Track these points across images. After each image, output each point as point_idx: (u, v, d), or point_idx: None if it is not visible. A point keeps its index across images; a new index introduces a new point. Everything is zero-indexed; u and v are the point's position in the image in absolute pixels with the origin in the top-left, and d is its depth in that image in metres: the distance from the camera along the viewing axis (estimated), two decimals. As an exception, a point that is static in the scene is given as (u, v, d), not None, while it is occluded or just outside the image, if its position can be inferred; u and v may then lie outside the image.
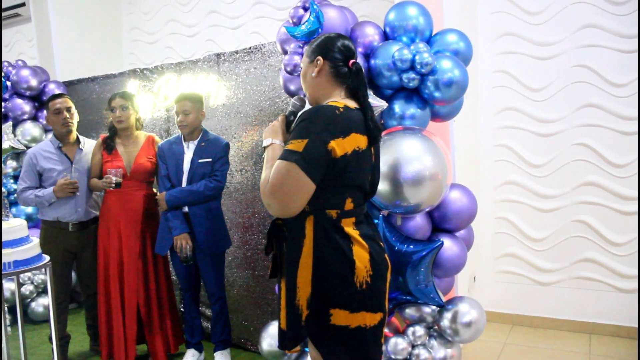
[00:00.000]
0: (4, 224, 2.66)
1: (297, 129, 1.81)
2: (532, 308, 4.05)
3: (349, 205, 1.89)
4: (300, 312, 1.87)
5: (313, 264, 1.85)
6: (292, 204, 1.78)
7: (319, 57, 1.96)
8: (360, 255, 1.86)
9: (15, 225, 2.67)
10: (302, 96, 2.17)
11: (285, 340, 1.97)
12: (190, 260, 3.28)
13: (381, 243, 1.99)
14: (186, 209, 3.29)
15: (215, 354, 3.49)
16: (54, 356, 3.29)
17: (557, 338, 3.82)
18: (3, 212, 2.73)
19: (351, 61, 1.96)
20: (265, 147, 1.97)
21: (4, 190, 2.85)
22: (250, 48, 3.62)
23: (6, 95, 4.79)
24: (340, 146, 1.80)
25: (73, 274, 3.80)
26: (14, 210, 4.51)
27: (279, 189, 1.76)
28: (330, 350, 1.90)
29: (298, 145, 1.76)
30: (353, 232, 1.88)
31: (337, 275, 1.84)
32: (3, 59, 5.11)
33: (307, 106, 2.12)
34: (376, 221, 2.73)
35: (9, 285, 4.27)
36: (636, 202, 3.67)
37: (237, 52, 3.68)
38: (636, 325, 3.65)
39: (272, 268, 2.07)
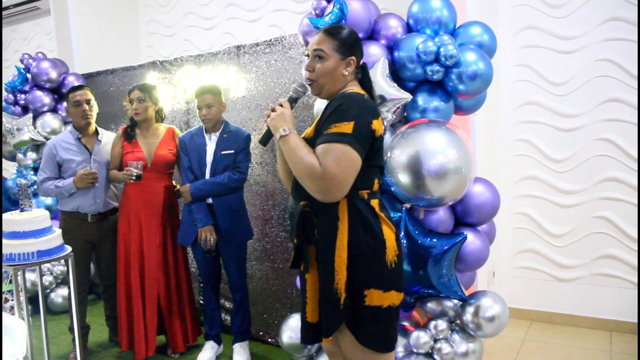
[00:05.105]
0: (28, 215, 2.68)
1: (335, 113, 1.85)
2: (552, 304, 4.02)
3: (376, 186, 1.97)
4: (339, 295, 1.89)
5: (348, 246, 1.88)
6: (346, 185, 1.83)
7: (353, 58, 2.02)
8: (389, 235, 1.93)
9: (38, 216, 2.68)
10: (304, 83, 2.13)
11: (321, 330, 1.96)
12: (213, 252, 3.29)
13: None
14: (210, 200, 3.29)
15: (234, 346, 3.49)
16: (75, 346, 3.31)
17: (577, 335, 3.79)
18: (26, 203, 2.74)
19: (361, 61, 2.10)
20: (282, 137, 1.91)
21: (25, 181, 2.86)
22: (270, 40, 3.61)
23: (26, 88, 4.82)
24: (378, 126, 1.90)
25: (91, 265, 3.81)
26: (33, 201, 4.55)
27: (338, 171, 1.79)
28: (365, 331, 1.92)
29: (345, 127, 1.81)
30: (380, 212, 1.95)
31: (371, 255, 1.89)
32: (22, 52, 5.14)
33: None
34: (399, 214, 2.71)
35: (29, 276, 4.30)
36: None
37: (257, 45, 3.67)
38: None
39: (294, 258, 2.04)
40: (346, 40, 2.02)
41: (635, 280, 3.72)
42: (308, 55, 2.06)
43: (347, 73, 2.01)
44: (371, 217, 1.91)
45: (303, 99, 3.36)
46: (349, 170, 1.81)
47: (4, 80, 4.96)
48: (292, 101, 2.06)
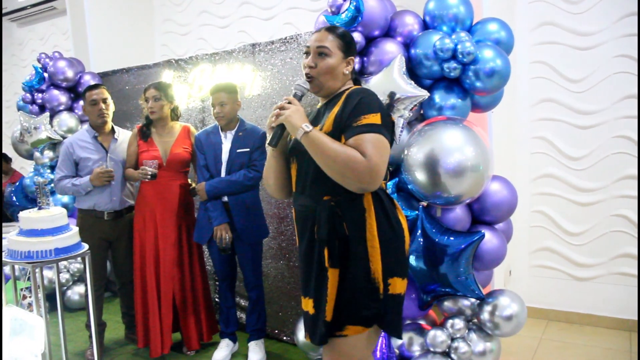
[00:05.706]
0: (45, 212, 2.70)
1: (360, 106, 1.88)
2: (569, 303, 3.98)
3: (388, 176, 2.06)
4: (378, 285, 1.90)
5: (377, 235, 1.90)
6: (384, 174, 1.88)
7: (352, 58, 2.08)
8: (404, 224, 1.99)
9: (55, 214, 2.70)
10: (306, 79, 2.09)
11: (332, 328, 1.92)
12: (229, 250, 3.29)
13: None
14: (225, 198, 3.29)
15: (249, 344, 3.49)
16: (91, 343, 3.33)
17: (595, 335, 3.74)
18: (44, 201, 2.76)
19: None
20: (306, 133, 1.86)
21: (42, 179, 2.88)
22: (286, 38, 3.60)
23: (43, 87, 4.86)
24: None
25: (107, 262, 3.84)
26: (51, 199, 4.58)
27: (380, 160, 1.83)
28: (390, 319, 1.94)
29: (374, 118, 1.86)
30: (394, 201, 2.02)
31: (394, 244, 1.93)
32: (39, 52, 5.19)
33: None
34: (416, 212, 2.70)
35: (47, 273, 4.33)
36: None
37: (272, 42, 3.67)
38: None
39: (331, 254, 1.94)
40: (346, 40, 2.06)
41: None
42: (307, 53, 2.05)
43: (347, 72, 2.06)
44: (390, 206, 1.96)
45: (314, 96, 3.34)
46: (386, 159, 1.87)
47: (22, 80, 5.01)
48: (298, 99, 2.04)
